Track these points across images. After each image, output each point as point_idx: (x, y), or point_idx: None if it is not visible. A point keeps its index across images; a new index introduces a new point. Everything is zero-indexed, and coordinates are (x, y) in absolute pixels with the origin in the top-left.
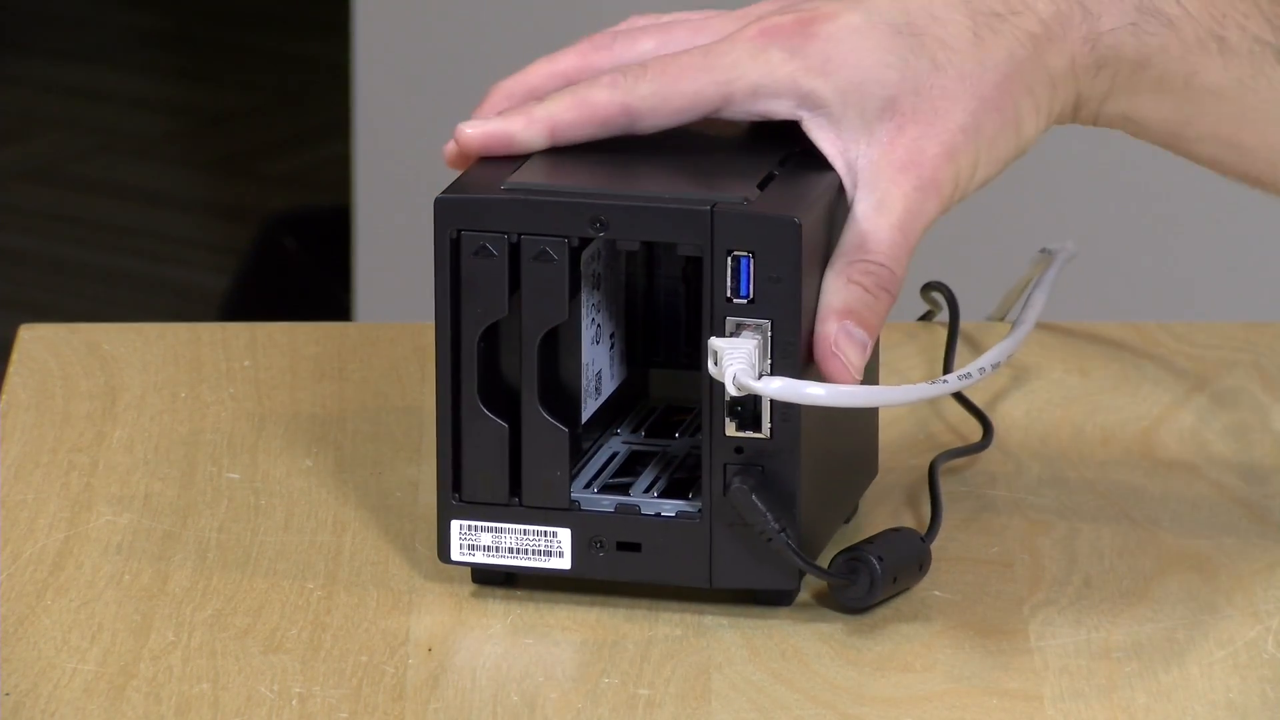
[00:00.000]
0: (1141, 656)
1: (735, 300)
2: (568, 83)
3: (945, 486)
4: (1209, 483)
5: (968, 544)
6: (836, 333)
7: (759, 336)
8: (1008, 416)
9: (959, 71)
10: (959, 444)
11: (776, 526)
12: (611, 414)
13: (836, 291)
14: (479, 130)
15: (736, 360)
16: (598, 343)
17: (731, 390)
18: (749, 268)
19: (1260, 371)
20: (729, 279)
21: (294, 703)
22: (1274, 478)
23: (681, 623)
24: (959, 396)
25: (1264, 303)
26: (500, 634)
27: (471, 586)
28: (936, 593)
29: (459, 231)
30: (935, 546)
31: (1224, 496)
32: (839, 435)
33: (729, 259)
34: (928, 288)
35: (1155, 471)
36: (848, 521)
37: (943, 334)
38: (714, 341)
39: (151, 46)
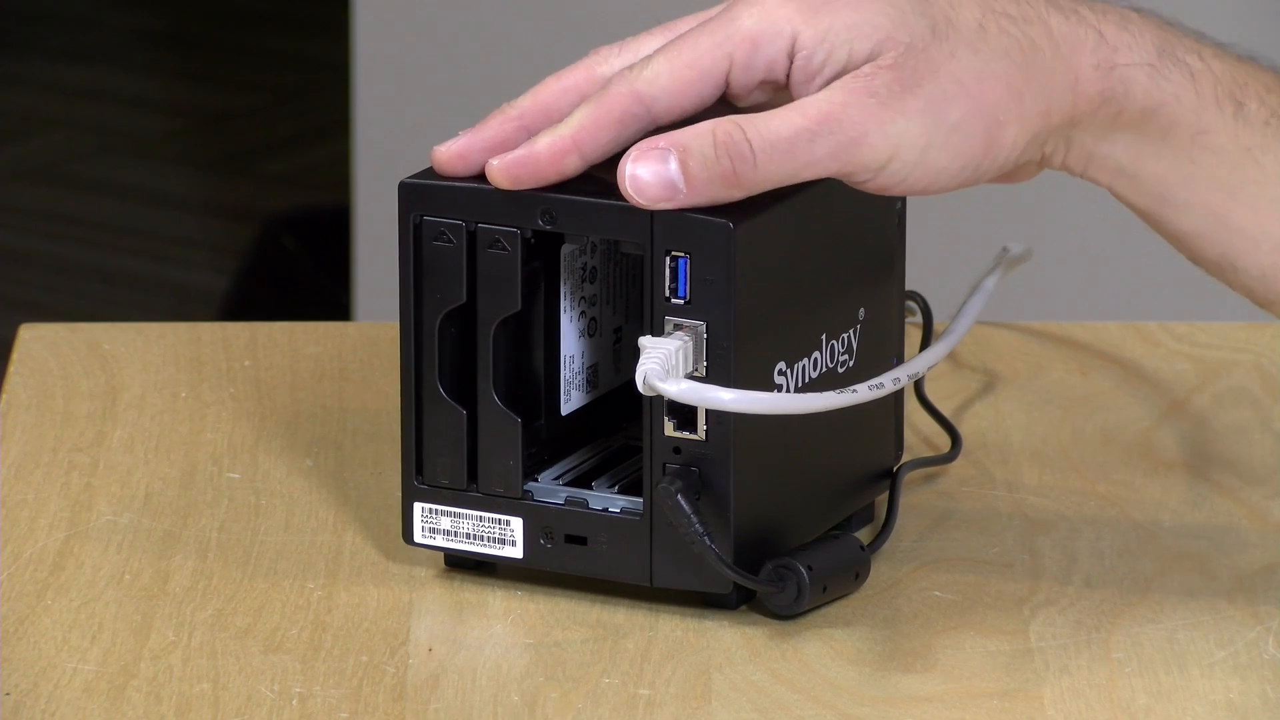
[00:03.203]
0: (1141, 656)
1: (673, 300)
2: (580, 97)
3: (944, 486)
4: (1209, 483)
5: (968, 544)
6: (652, 151)
7: (692, 338)
8: (1008, 416)
9: (951, 50)
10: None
11: (700, 530)
12: (627, 409)
13: (696, 127)
14: (505, 162)
15: (650, 360)
16: (591, 335)
17: (641, 389)
18: (686, 269)
19: (1260, 371)
20: (668, 279)
21: (294, 703)
22: (1274, 478)
23: (681, 623)
24: (928, 407)
25: None
26: (500, 634)
27: (472, 587)
28: (936, 593)
29: (421, 217)
30: (935, 546)
31: (1224, 496)
32: (814, 438)
33: (668, 259)
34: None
35: (1155, 471)
36: (858, 527)
37: (917, 337)
38: (641, 340)
39: (151, 46)
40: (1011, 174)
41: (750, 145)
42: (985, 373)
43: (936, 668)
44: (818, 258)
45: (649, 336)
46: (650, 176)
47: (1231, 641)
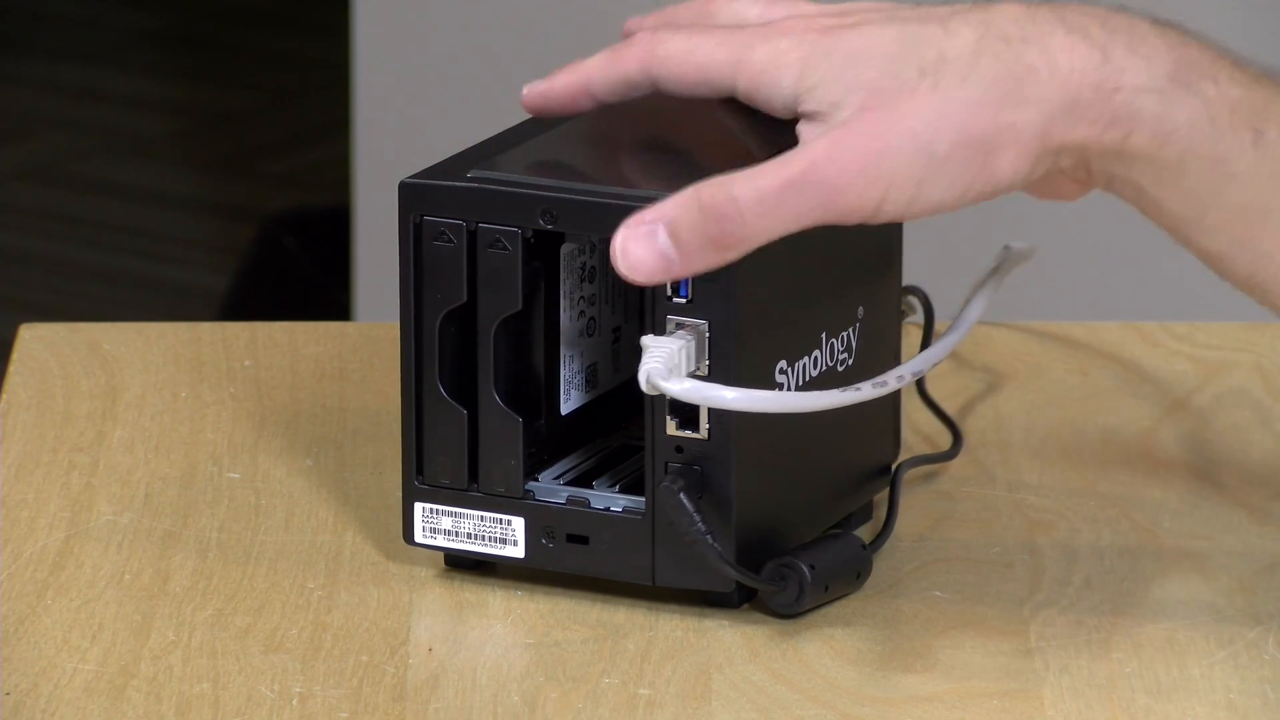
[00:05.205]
0: (1141, 656)
1: (675, 299)
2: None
3: (944, 486)
4: (1209, 483)
5: (968, 544)
6: (640, 227)
7: (693, 337)
8: (1008, 417)
9: (936, 83)
10: (929, 451)
11: (703, 529)
12: (625, 408)
13: (679, 195)
14: (532, 91)
15: (652, 359)
16: (590, 335)
17: (644, 388)
18: None
19: (1260, 371)
20: None
21: (294, 703)
22: (1274, 478)
23: (682, 623)
24: (930, 404)
25: None
26: (500, 634)
27: (472, 587)
28: (936, 593)
29: (421, 217)
30: (936, 546)
31: (1224, 496)
32: (814, 436)
33: None
34: (903, 291)
35: (1155, 472)
36: (857, 525)
37: (916, 335)
38: (644, 339)
39: (151, 46)
40: (1048, 191)
41: (737, 205)
42: (986, 372)
43: (936, 668)
44: (817, 256)
45: (651, 335)
46: (642, 254)
47: (1231, 641)
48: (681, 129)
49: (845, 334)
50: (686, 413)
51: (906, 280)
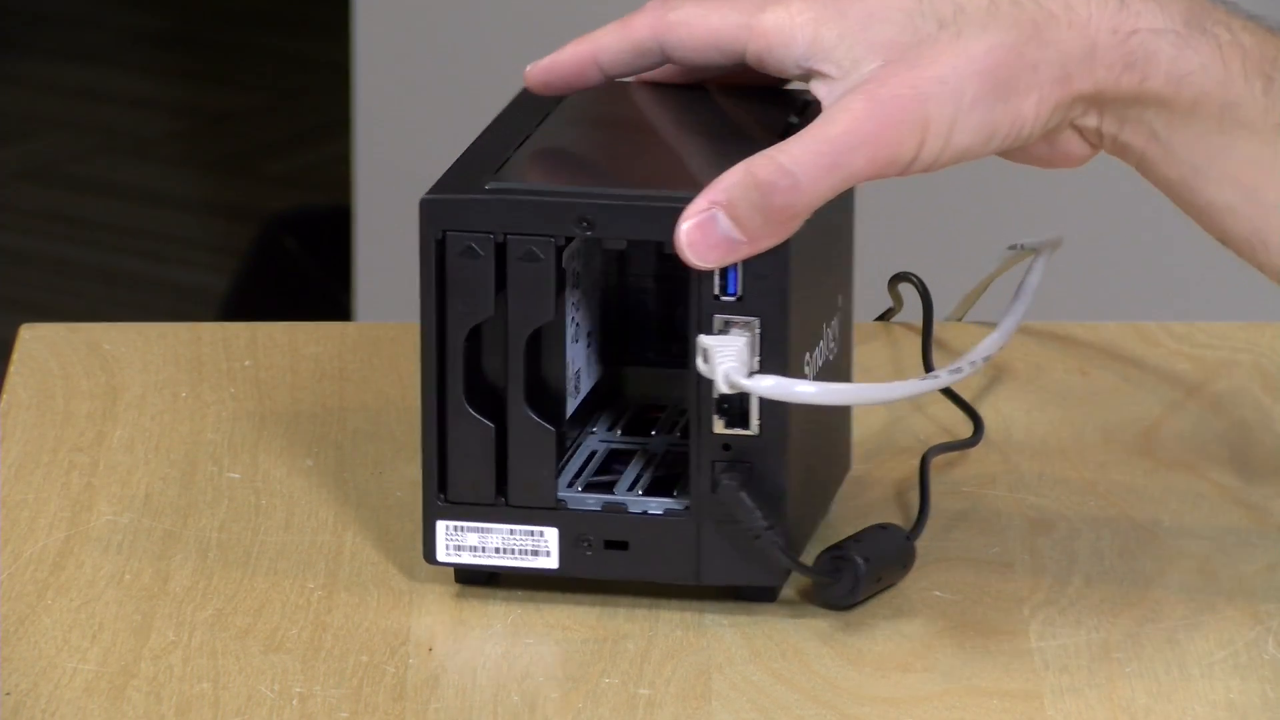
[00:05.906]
0: (1141, 656)
1: (724, 298)
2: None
3: (945, 486)
4: (1209, 483)
5: (968, 544)
6: (698, 215)
7: (748, 334)
8: (1008, 416)
9: (958, 32)
10: (947, 440)
11: (765, 524)
12: (588, 412)
13: (730, 176)
14: (536, 68)
15: (728, 358)
16: (577, 341)
17: (723, 388)
18: (737, 264)
19: (1260, 371)
20: (717, 276)
21: (294, 702)
22: (1274, 478)
23: (682, 623)
24: (949, 393)
25: (1264, 303)
26: (500, 634)
27: (472, 587)
28: (936, 593)
29: (444, 232)
30: (936, 546)
31: (1224, 496)
32: (819, 431)
33: None
34: (896, 279)
35: (1155, 471)
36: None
37: (902, 333)
38: (704, 339)
39: (151, 46)
40: (1055, 154)
41: (792, 175)
42: (986, 372)
43: (936, 668)
44: (820, 245)
45: (707, 336)
46: (708, 241)
47: (1231, 641)
48: (678, 118)
49: (834, 323)
50: (735, 411)
51: (897, 270)
